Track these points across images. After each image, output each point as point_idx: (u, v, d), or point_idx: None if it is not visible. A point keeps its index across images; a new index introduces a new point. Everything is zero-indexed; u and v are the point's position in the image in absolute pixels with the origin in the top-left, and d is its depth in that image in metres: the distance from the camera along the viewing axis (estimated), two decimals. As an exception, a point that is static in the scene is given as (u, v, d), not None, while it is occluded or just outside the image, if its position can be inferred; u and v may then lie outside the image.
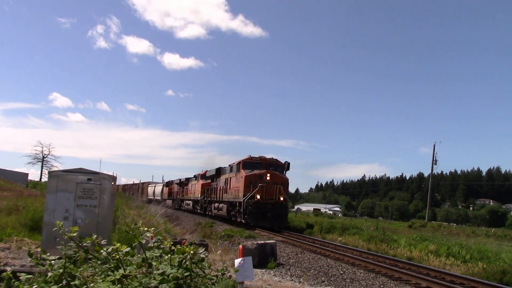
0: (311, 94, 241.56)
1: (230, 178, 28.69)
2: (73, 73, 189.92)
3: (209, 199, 35.40)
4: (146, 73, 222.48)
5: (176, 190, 52.61)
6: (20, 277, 3.67)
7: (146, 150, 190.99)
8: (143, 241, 4.32)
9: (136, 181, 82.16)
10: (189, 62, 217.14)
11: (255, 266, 9.62)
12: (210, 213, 34.72)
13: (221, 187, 30.82)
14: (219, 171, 32.50)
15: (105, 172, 10.93)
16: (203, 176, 38.95)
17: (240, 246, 11.27)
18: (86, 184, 10.13)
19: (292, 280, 10.97)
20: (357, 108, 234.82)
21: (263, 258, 12.67)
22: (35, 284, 3.64)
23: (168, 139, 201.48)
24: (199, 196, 38.82)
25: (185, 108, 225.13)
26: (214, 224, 27.87)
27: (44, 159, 80.00)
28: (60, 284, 3.54)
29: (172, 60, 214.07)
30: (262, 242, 13.54)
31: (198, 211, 39.65)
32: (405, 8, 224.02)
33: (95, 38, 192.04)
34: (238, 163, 26.98)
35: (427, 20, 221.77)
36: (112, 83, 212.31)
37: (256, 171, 25.57)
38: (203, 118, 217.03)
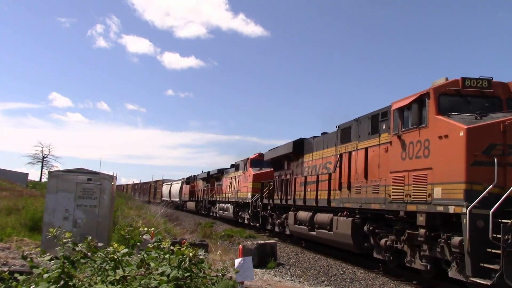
0: (311, 94, 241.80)
1: (366, 149, 11.60)
2: (73, 73, 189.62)
3: (272, 201, 19.40)
4: (146, 72, 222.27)
5: (201, 188, 37.25)
6: (18, 278, 3.68)
7: (146, 150, 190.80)
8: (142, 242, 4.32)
9: (136, 181, 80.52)
10: (190, 61, 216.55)
11: (255, 266, 9.59)
12: (280, 229, 18.58)
13: (321, 178, 14.54)
14: (302, 146, 16.81)
15: (105, 172, 10.94)
16: (255, 161, 24.09)
17: (240, 246, 11.23)
18: (86, 184, 10.14)
19: (292, 280, 10.96)
20: (357, 108, 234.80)
21: (263, 258, 12.66)
22: (33, 284, 3.65)
23: (168, 139, 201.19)
24: (249, 196, 23.11)
25: (185, 108, 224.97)
26: (214, 224, 27.76)
27: (44, 159, 79.99)
28: (58, 284, 3.54)
29: (172, 60, 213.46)
30: (262, 242, 13.54)
31: (247, 221, 23.88)
32: (406, 5, 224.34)
33: (95, 38, 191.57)
34: (423, 96, 9.40)
35: (427, 18, 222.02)
36: (112, 83, 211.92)
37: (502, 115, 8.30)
38: (203, 118, 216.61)
